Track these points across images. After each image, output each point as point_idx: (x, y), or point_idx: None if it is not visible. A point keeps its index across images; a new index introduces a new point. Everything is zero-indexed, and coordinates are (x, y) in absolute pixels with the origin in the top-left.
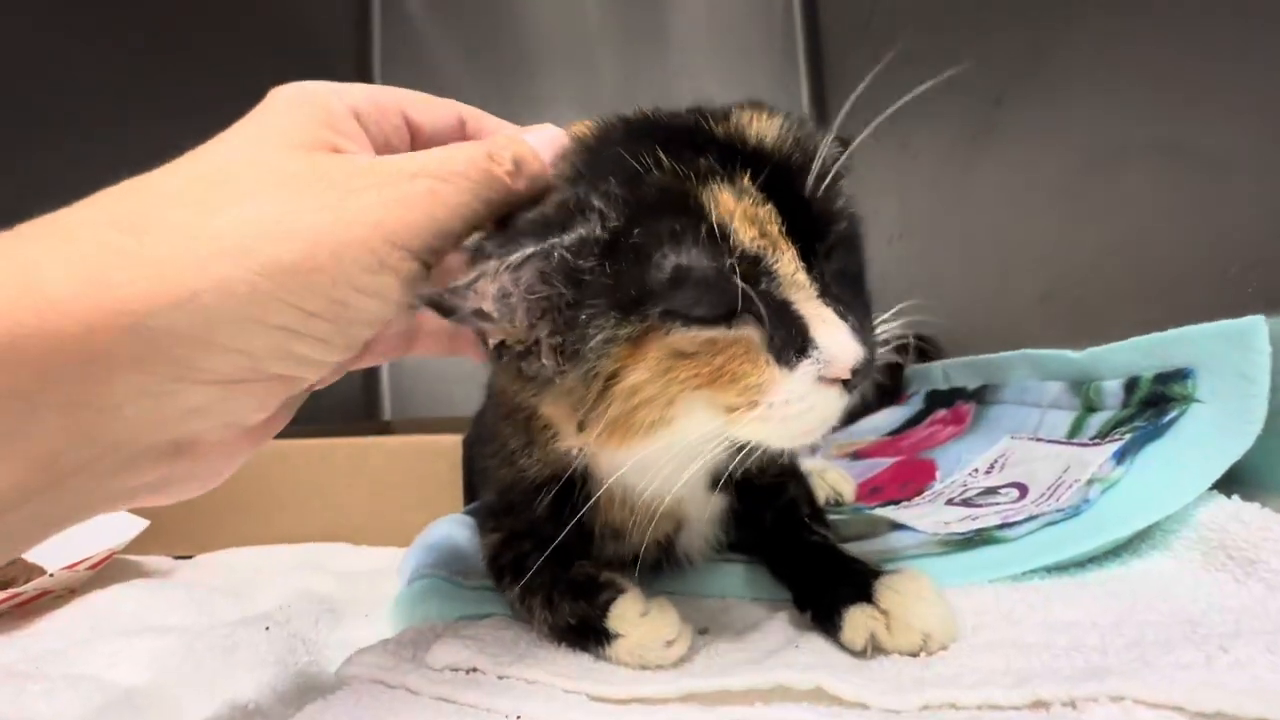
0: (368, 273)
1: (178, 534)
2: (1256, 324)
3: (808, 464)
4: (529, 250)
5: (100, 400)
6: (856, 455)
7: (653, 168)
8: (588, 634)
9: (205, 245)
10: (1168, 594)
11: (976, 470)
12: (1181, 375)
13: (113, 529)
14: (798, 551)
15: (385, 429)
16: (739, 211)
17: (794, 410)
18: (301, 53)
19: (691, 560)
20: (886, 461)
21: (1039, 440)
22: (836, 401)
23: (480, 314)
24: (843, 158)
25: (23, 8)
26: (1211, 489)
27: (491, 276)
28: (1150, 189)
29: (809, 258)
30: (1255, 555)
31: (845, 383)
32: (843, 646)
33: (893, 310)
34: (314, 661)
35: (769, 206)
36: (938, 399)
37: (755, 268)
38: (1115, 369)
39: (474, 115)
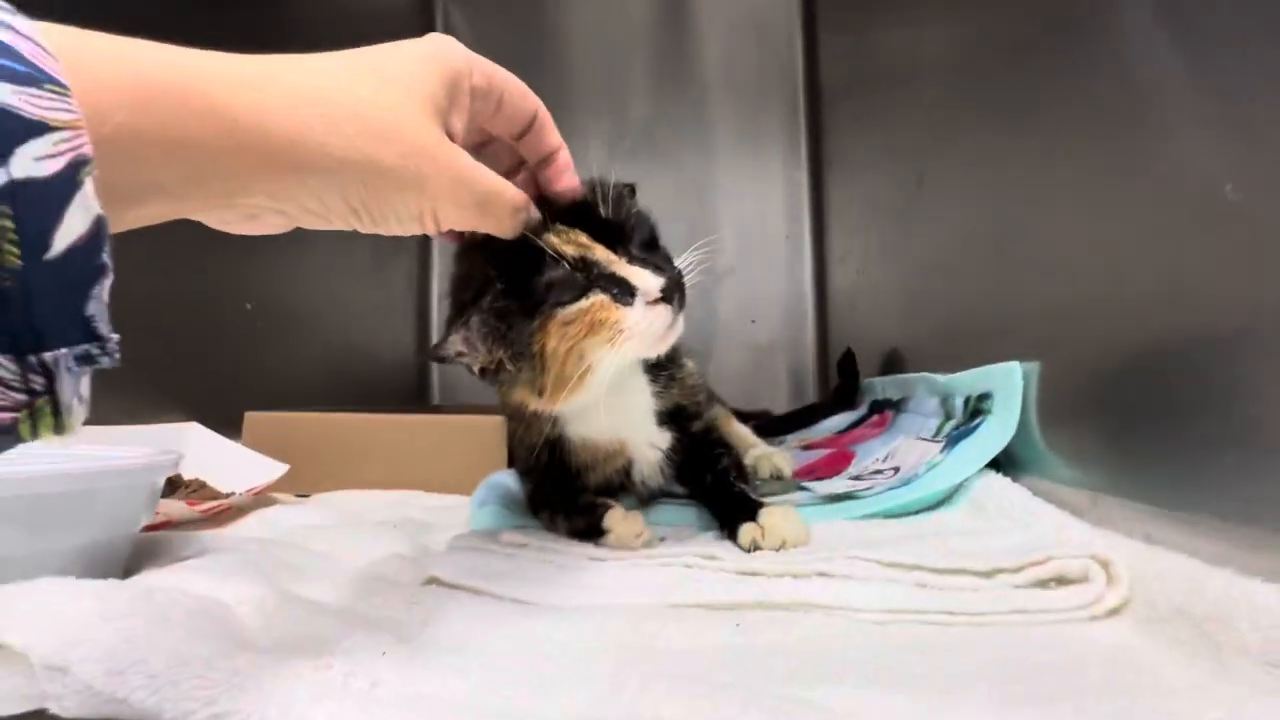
0: (410, 218)
1: (298, 480)
2: (1015, 366)
3: (761, 450)
4: (470, 316)
5: (246, 195)
6: (808, 447)
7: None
8: (591, 533)
9: (349, 144)
10: (945, 531)
11: (878, 459)
12: (988, 396)
13: (265, 469)
14: (724, 497)
15: (435, 411)
16: (562, 242)
17: (643, 326)
18: None
19: (648, 488)
20: (825, 452)
21: (918, 439)
22: (665, 313)
23: (459, 354)
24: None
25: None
26: (988, 468)
27: (458, 333)
28: (999, 264)
29: (615, 246)
30: (997, 508)
31: (664, 300)
32: (740, 547)
33: (686, 253)
34: (428, 545)
35: (577, 230)
36: (875, 407)
37: (585, 264)
38: (962, 389)
39: (542, 120)
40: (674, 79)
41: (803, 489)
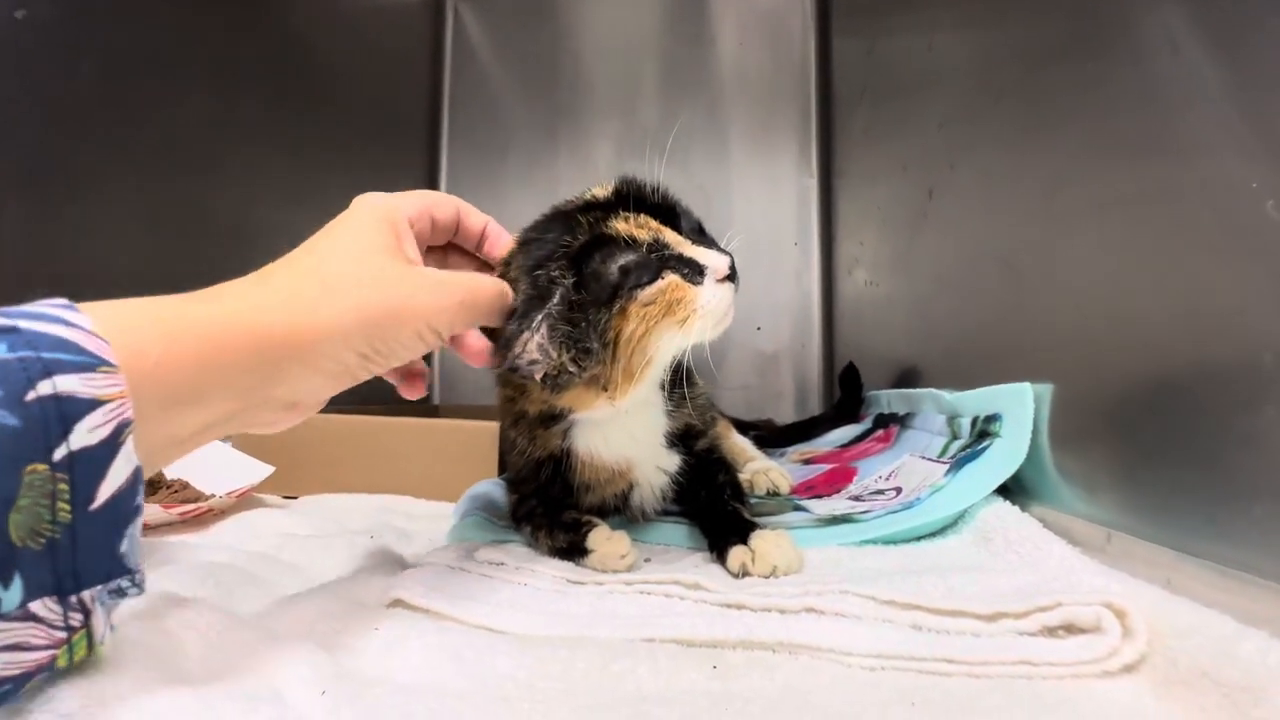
0: (412, 338)
1: (286, 481)
2: (1025, 387)
3: (759, 464)
4: (538, 317)
5: (275, 384)
6: (809, 461)
7: (574, 229)
8: (573, 551)
9: (335, 308)
10: (946, 565)
11: (880, 476)
12: (996, 418)
13: (251, 471)
14: (716, 516)
15: (434, 411)
16: (631, 226)
17: (713, 304)
18: (383, 97)
19: (645, 513)
20: (825, 467)
21: (922, 458)
22: (730, 290)
23: (532, 363)
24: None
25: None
26: (996, 494)
27: (531, 339)
28: (1010, 281)
29: (677, 229)
30: (1004, 540)
31: (729, 278)
32: (728, 572)
33: (725, 238)
34: (403, 558)
35: (643, 215)
36: (880, 421)
37: (657, 245)
38: (969, 409)
39: (465, 211)
40: (685, 82)
41: (799, 509)
